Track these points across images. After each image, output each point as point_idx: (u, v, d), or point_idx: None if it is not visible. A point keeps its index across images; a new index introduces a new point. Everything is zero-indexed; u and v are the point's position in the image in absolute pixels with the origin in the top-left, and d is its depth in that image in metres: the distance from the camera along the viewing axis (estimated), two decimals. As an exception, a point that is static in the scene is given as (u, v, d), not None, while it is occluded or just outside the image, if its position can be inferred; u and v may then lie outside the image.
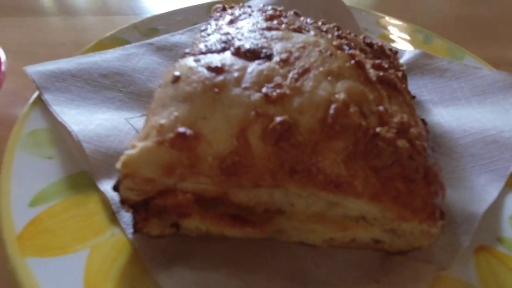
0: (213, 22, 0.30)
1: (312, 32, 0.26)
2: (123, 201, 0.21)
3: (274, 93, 0.20)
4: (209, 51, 0.23)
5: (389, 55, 0.31)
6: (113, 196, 0.24)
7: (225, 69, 0.21)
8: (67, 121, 0.27)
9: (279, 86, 0.20)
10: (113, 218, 0.23)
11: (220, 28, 0.28)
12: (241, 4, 0.34)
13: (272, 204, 0.21)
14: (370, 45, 0.30)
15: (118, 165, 0.20)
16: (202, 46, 0.24)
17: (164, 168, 0.19)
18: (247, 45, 0.23)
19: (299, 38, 0.24)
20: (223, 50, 0.23)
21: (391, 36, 0.45)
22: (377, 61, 0.25)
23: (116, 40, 0.40)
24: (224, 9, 0.35)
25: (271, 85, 0.20)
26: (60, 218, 0.22)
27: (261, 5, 0.32)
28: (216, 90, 0.20)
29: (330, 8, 0.44)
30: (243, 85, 0.20)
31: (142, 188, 0.20)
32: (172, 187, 0.20)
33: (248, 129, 0.19)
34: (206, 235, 0.22)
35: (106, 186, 0.24)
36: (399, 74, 0.27)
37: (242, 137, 0.19)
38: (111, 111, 0.31)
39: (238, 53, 0.22)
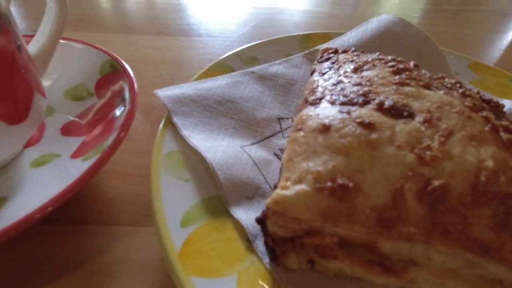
0: (333, 66, 0.32)
1: (441, 90, 0.28)
2: (268, 234, 0.23)
3: (427, 155, 0.21)
4: (350, 102, 0.25)
5: (503, 112, 0.31)
6: (248, 225, 0.26)
7: (376, 126, 0.23)
8: (199, 147, 0.30)
9: (429, 148, 0.22)
10: (249, 246, 0.25)
11: (346, 76, 0.30)
12: (353, 49, 0.36)
13: (408, 255, 0.22)
14: (487, 101, 0.31)
15: (269, 201, 0.22)
16: (341, 96, 0.26)
17: (320, 213, 0.21)
18: (389, 102, 0.25)
19: (433, 97, 0.26)
20: (364, 103, 0.25)
21: (484, 83, 0.45)
22: (504, 123, 0.26)
23: (222, 67, 0.43)
24: (336, 51, 0.37)
25: (421, 146, 0.22)
26: (206, 240, 0.25)
27: (377, 53, 0.33)
28: (372, 147, 0.22)
29: (424, 50, 0.45)
30: (396, 144, 0.22)
31: (289, 226, 0.23)
32: (320, 229, 0.22)
33: (404, 188, 0.20)
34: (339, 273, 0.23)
35: (239, 214, 0.27)
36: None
37: (399, 194, 0.20)
38: (227, 138, 0.34)
39: (381, 109, 0.24)
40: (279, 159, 0.34)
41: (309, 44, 0.50)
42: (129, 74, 0.38)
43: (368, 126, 0.23)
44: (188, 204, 0.27)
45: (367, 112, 0.24)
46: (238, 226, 0.26)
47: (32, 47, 0.34)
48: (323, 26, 0.70)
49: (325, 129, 0.24)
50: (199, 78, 0.40)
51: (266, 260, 0.24)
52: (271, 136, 0.36)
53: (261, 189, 0.30)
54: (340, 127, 0.23)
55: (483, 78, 0.46)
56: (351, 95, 0.26)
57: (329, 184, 0.21)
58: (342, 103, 0.26)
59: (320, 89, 0.29)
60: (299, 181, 0.22)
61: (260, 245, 0.25)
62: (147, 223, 0.31)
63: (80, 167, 0.28)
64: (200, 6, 0.72)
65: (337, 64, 0.33)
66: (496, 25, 0.79)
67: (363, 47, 0.46)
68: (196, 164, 0.30)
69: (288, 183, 0.23)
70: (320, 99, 0.28)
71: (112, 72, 0.40)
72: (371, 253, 0.22)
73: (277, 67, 0.44)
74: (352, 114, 0.24)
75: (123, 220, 0.31)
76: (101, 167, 0.28)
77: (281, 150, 0.35)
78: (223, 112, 0.36)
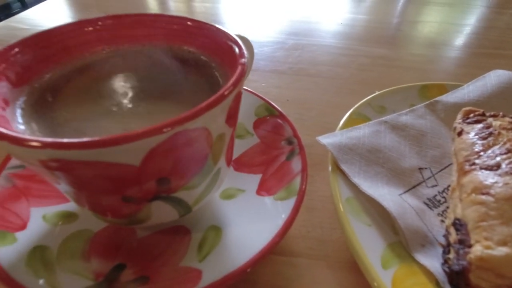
0: (492, 132, 0.36)
1: None
2: (469, 285, 0.28)
3: None
4: (536, 176, 0.29)
5: None
6: (435, 272, 0.30)
7: None
8: (373, 194, 0.35)
9: None
10: (439, 291, 0.29)
11: (514, 145, 0.34)
12: (502, 113, 0.40)
13: None
14: None
15: (472, 257, 0.27)
16: (521, 167, 0.30)
17: (532, 275, 0.25)
18: None
19: None
20: (551, 178, 0.29)
21: None
22: None
23: (360, 116, 0.48)
24: (483, 114, 0.41)
25: None
26: (406, 284, 0.29)
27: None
28: None
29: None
30: None
31: (492, 280, 0.27)
32: (523, 287, 0.26)
33: None
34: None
35: (422, 260, 0.31)
36: None
37: None
38: (384, 186, 0.39)
39: None
40: (430, 208, 0.38)
41: (427, 94, 0.54)
42: (289, 120, 0.44)
43: None
44: (380, 248, 0.31)
45: (560, 189, 0.28)
46: (424, 271, 0.30)
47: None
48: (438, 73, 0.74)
49: (520, 200, 0.28)
50: (344, 126, 0.45)
51: (458, 306, 0.28)
52: (417, 185, 0.41)
53: (428, 238, 0.34)
54: (538, 201, 0.27)
55: None
56: (534, 169, 0.30)
57: (539, 251, 0.25)
58: (526, 176, 0.30)
59: (489, 154, 0.34)
60: (503, 243, 0.26)
61: (449, 292, 0.29)
62: (321, 257, 0.36)
63: (278, 207, 0.34)
64: (304, 47, 0.79)
65: (495, 130, 0.37)
66: None
67: (485, 103, 0.49)
68: (370, 210, 0.35)
69: (490, 243, 0.27)
70: (497, 166, 0.32)
71: (269, 116, 0.46)
72: None
73: (405, 117, 0.49)
74: (545, 189, 0.28)
75: (302, 253, 0.36)
76: (299, 209, 0.33)
77: (430, 200, 0.39)
78: (374, 161, 0.41)
